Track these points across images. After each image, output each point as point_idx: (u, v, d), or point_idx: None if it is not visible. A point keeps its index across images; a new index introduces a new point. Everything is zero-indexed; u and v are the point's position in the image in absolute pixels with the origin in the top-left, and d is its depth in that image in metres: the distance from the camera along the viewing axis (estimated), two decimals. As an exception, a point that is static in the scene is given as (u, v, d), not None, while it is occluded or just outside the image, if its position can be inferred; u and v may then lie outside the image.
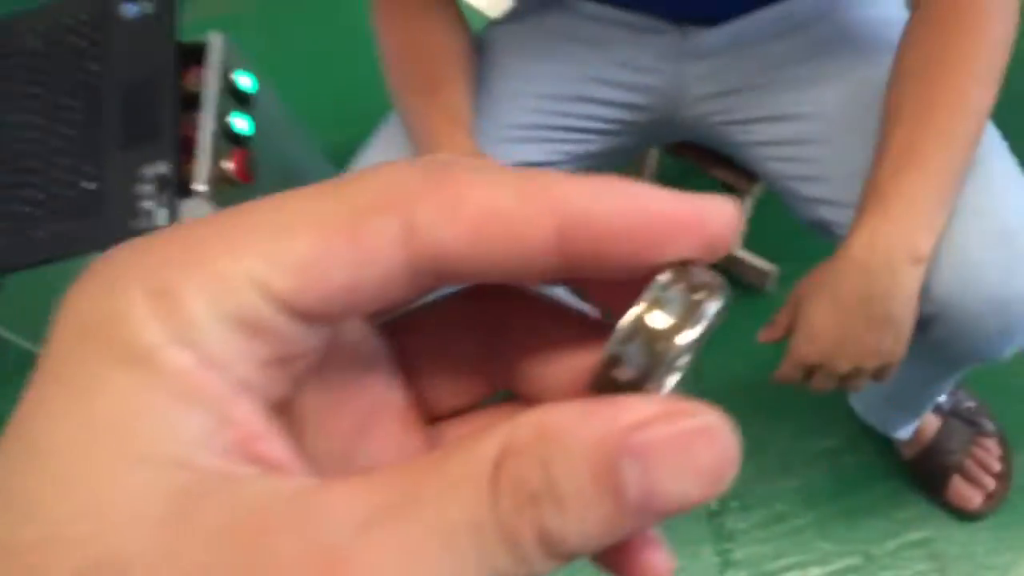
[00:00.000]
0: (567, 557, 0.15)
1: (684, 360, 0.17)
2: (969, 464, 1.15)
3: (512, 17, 0.95)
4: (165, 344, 0.15)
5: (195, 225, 0.16)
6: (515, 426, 0.15)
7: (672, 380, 0.17)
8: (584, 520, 0.14)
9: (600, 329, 0.20)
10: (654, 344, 0.16)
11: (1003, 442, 1.19)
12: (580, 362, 0.20)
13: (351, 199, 0.16)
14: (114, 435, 0.14)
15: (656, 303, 0.16)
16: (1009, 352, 0.78)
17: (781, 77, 0.86)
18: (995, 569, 1.12)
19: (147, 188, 1.00)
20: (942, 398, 1.15)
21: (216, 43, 1.12)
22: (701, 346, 0.17)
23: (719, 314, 0.17)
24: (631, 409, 0.15)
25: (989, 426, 1.18)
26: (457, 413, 0.22)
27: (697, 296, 0.16)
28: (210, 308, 0.15)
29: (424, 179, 0.16)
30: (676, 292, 0.16)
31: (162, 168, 1.01)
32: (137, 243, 0.16)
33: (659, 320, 0.16)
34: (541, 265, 0.17)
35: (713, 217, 0.17)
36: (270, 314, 0.16)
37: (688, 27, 0.87)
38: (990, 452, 1.17)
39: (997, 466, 1.16)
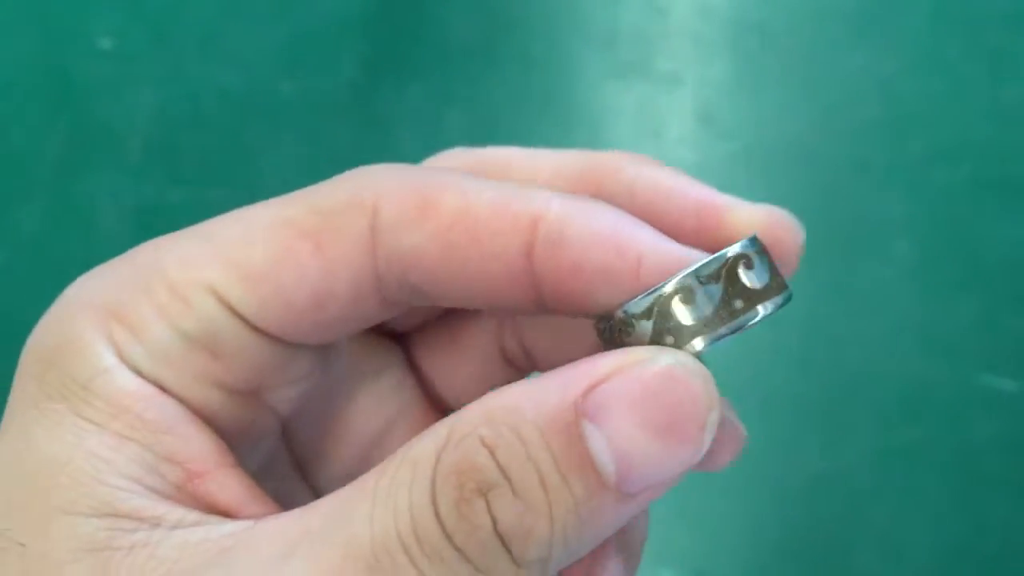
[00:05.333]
0: (543, 561, 0.12)
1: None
2: None
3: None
4: (112, 369, 0.14)
5: (152, 244, 0.16)
6: (460, 413, 0.13)
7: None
8: (555, 508, 0.12)
9: None
10: (663, 335, 0.14)
11: None
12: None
13: (318, 203, 0.15)
14: (39, 484, 0.13)
15: (687, 293, 0.14)
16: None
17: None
18: None
19: None
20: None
21: None
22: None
23: (756, 323, 0.15)
24: (585, 371, 0.13)
25: None
26: None
27: (737, 304, 0.14)
28: (167, 325, 0.14)
29: (395, 179, 0.15)
30: (716, 289, 0.14)
31: None
32: (96, 269, 0.16)
33: (682, 314, 0.14)
34: (513, 287, 0.15)
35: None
36: (233, 331, 0.15)
37: None
38: None
39: None
